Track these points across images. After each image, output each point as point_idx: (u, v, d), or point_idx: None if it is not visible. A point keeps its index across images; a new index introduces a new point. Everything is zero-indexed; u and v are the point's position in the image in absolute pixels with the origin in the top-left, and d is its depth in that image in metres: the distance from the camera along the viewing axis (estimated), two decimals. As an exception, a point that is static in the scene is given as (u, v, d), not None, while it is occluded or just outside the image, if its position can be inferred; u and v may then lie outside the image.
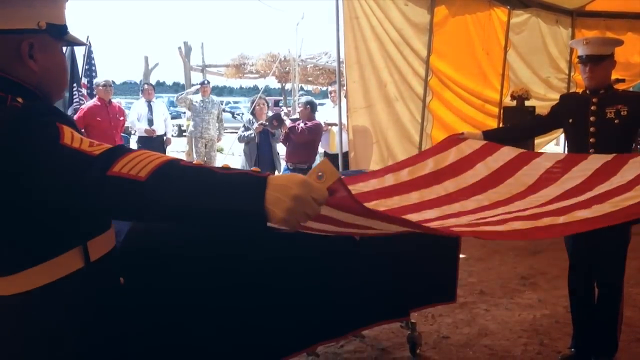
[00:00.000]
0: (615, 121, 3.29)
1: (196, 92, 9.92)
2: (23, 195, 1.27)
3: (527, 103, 7.08)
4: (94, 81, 8.26)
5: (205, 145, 9.81)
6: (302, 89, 16.25)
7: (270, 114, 7.66)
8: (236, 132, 8.08)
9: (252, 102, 7.70)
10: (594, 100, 3.38)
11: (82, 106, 7.98)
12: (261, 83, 17.12)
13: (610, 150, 3.19)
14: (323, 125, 7.00)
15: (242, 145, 7.48)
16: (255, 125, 7.20)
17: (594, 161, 3.00)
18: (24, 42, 1.40)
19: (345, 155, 6.07)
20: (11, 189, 1.26)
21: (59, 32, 1.46)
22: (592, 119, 3.33)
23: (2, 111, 1.31)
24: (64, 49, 1.58)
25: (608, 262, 3.39)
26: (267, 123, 7.11)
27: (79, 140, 1.27)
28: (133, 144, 9.74)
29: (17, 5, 1.38)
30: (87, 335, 1.40)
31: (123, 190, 1.17)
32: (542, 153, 3.30)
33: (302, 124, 6.74)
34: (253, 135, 7.20)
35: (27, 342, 1.35)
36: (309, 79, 16.95)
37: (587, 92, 3.43)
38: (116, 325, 1.48)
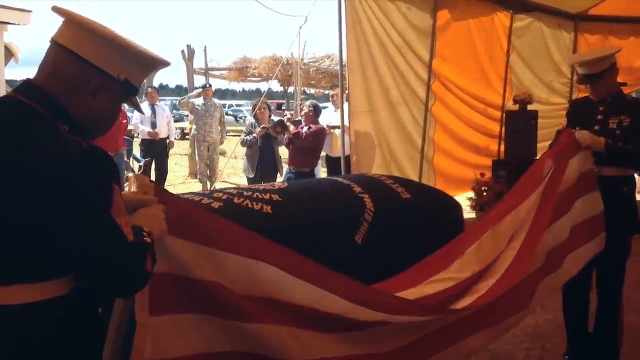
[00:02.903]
0: (617, 132, 3.26)
1: (198, 95, 9.93)
2: (53, 224, 1.33)
3: (529, 107, 7.07)
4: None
5: (208, 148, 9.83)
6: (304, 92, 16.27)
7: (273, 117, 7.68)
8: (239, 135, 8.09)
9: (254, 106, 7.71)
10: (600, 109, 3.36)
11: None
12: (264, 86, 17.15)
13: (610, 160, 3.23)
14: (326, 128, 7.01)
15: (245, 148, 7.49)
16: (258, 129, 7.21)
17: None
18: (96, 79, 1.48)
19: (348, 158, 6.07)
20: (47, 215, 1.32)
21: (130, 91, 1.56)
22: (596, 127, 3.30)
23: (58, 138, 1.37)
24: None
25: (607, 272, 3.38)
26: (270, 129, 7.11)
27: (121, 212, 1.42)
28: (136, 147, 9.75)
29: (112, 51, 1.49)
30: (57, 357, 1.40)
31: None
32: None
33: (306, 129, 6.75)
34: (256, 139, 7.21)
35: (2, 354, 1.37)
36: (312, 82, 16.96)
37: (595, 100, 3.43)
38: (88, 354, 1.48)
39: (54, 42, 1.49)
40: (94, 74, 1.47)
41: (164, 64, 1.62)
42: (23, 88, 1.48)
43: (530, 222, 2.88)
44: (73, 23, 1.48)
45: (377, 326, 2.24)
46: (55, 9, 1.50)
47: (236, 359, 1.96)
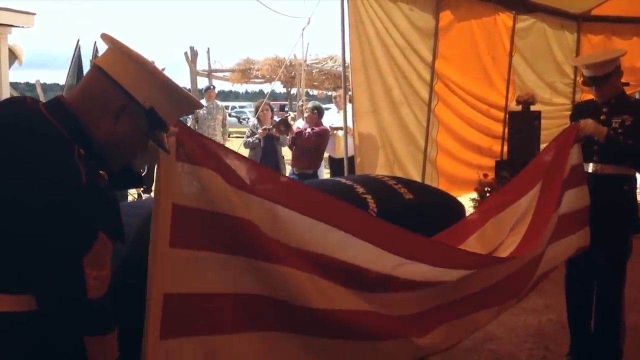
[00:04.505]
0: (619, 131, 3.30)
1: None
2: (24, 246, 1.33)
3: (532, 108, 7.08)
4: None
5: (211, 149, 9.82)
6: (307, 93, 16.28)
7: (276, 119, 7.68)
8: (242, 137, 8.09)
9: (257, 108, 7.72)
10: (604, 109, 3.40)
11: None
12: (267, 88, 17.17)
13: (610, 157, 3.28)
14: (329, 129, 7.02)
15: (248, 150, 7.50)
16: (260, 130, 7.21)
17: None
18: (121, 101, 1.47)
19: (350, 159, 6.08)
20: (22, 235, 1.33)
21: (154, 122, 1.52)
22: None
23: (63, 164, 1.35)
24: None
25: (607, 271, 3.38)
26: (273, 128, 7.12)
27: (98, 264, 1.36)
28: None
29: (142, 77, 1.49)
30: None
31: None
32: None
33: (309, 129, 6.76)
34: (258, 140, 7.21)
35: None
36: (314, 83, 16.99)
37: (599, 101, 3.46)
38: None
39: (94, 65, 1.52)
40: (120, 95, 1.47)
41: (195, 104, 1.63)
42: (51, 104, 1.49)
43: (532, 212, 2.94)
44: (114, 48, 1.51)
45: (394, 291, 2.28)
46: (103, 36, 1.53)
47: (254, 302, 1.94)
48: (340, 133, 6.85)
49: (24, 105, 1.49)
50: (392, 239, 2.29)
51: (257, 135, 7.23)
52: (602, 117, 3.38)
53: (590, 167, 3.37)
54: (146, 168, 7.72)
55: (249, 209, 1.90)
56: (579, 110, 3.67)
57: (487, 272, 2.66)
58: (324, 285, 2.06)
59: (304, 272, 2.01)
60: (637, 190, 3.64)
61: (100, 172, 1.47)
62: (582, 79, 3.58)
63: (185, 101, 1.59)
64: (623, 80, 3.57)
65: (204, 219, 1.83)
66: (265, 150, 7.22)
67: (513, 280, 2.75)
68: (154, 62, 1.57)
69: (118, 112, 1.47)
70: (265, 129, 7.13)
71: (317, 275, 2.05)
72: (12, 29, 7.50)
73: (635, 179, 3.55)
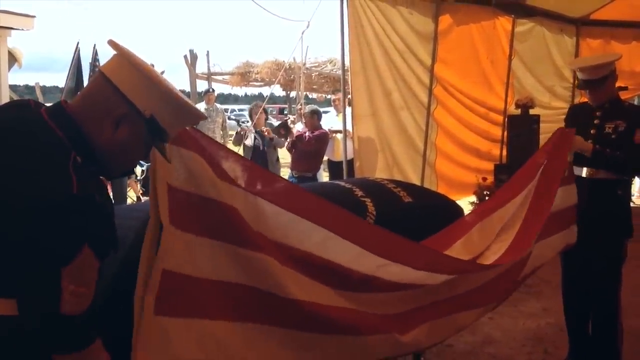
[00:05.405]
0: (612, 136, 3.30)
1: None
2: (8, 250, 1.34)
3: (531, 111, 7.09)
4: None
5: (210, 152, 9.81)
6: (306, 97, 16.29)
7: (272, 121, 7.70)
8: (242, 140, 8.11)
9: (250, 110, 7.73)
10: (598, 113, 3.39)
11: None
12: (266, 91, 17.17)
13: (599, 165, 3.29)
14: (329, 133, 7.03)
15: (248, 152, 7.50)
16: (250, 125, 7.20)
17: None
18: (121, 109, 1.47)
19: (350, 162, 6.08)
20: (9, 239, 1.33)
21: (154, 131, 1.52)
22: (592, 131, 3.35)
23: (58, 173, 1.34)
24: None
25: (603, 276, 3.38)
26: (274, 130, 7.13)
27: (78, 279, 1.34)
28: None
29: (144, 86, 1.48)
30: None
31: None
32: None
33: (308, 133, 6.77)
34: (244, 134, 7.19)
35: None
36: (314, 86, 17.00)
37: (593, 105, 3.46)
38: None
39: (98, 71, 1.52)
40: (121, 103, 1.47)
41: (198, 115, 1.63)
42: (52, 109, 1.49)
43: (522, 217, 2.94)
44: (119, 56, 1.51)
45: (375, 291, 2.29)
46: (110, 43, 1.52)
47: (239, 291, 1.94)
48: (340, 136, 6.86)
49: (27, 109, 1.49)
50: (375, 240, 2.30)
51: (245, 130, 7.22)
52: (595, 121, 3.38)
53: (584, 172, 3.37)
54: (146, 171, 7.73)
55: (233, 198, 1.93)
56: (574, 112, 3.67)
57: (472, 276, 2.66)
58: (304, 281, 2.08)
59: (285, 266, 2.02)
60: (634, 195, 3.65)
61: (101, 177, 1.47)
62: (577, 82, 3.59)
63: (188, 112, 1.58)
64: (623, 84, 3.57)
65: (194, 203, 1.85)
66: (258, 150, 7.21)
67: (499, 282, 2.75)
68: (153, 65, 1.57)
69: (118, 120, 1.47)
70: (260, 131, 7.14)
71: (298, 272, 2.06)
72: (12, 31, 7.51)
73: (629, 183, 3.55)
